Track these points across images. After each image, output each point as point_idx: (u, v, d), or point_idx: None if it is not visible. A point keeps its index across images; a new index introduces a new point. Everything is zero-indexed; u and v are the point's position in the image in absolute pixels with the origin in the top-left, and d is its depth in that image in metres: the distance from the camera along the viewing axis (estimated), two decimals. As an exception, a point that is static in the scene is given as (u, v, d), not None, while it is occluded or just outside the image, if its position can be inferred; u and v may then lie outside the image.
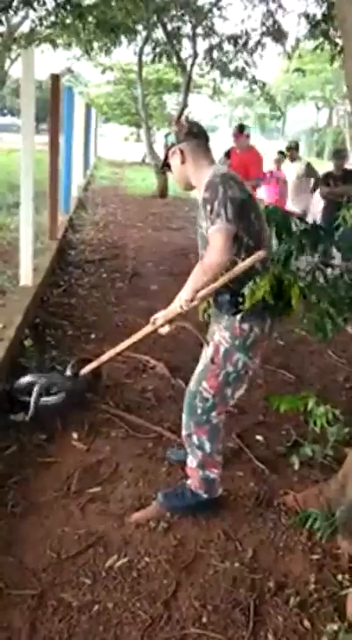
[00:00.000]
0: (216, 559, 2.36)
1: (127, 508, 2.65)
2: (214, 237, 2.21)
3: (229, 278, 2.28)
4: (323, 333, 2.35)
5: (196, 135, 2.46)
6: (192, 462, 2.58)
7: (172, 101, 22.07)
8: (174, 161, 2.49)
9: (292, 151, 8.04)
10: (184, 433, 2.58)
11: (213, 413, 2.49)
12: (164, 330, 2.62)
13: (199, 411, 2.48)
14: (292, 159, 8.04)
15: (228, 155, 6.76)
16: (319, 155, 34.52)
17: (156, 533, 2.48)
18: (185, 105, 11.14)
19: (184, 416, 2.57)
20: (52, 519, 2.54)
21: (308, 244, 2.73)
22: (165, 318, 2.53)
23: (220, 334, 2.42)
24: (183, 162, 2.46)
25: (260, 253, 2.26)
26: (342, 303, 2.44)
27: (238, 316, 2.35)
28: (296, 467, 2.76)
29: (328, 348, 4.64)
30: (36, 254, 5.28)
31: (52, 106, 6.66)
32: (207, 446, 2.52)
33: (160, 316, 2.57)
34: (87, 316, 5.03)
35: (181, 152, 2.45)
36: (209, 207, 2.24)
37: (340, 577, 2.29)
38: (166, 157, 2.54)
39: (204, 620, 2.07)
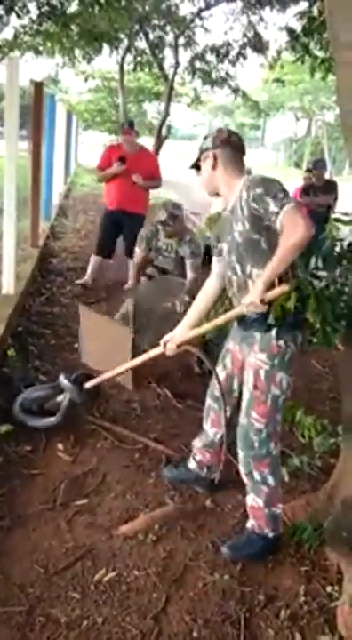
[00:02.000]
0: (205, 572, 2.35)
1: (115, 520, 2.63)
2: (290, 215, 2.11)
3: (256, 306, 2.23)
4: (327, 342, 2.34)
5: (232, 145, 2.45)
6: (256, 501, 2.46)
7: (152, 109, 22.14)
8: (206, 165, 2.48)
9: None
10: (244, 471, 2.48)
11: (271, 444, 2.41)
12: (171, 351, 2.64)
13: (256, 444, 2.39)
14: None
15: (123, 160, 5.86)
16: (298, 165, 34.93)
17: (144, 546, 2.46)
18: (166, 113, 11.17)
19: (241, 453, 2.46)
20: (38, 532, 2.51)
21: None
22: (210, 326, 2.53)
23: (257, 357, 2.35)
24: (214, 167, 2.44)
25: (286, 287, 2.22)
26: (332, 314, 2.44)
27: (273, 333, 2.30)
28: (286, 478, 2.76)
29: (312, 358, 4.68)
30: (18, 262, 5.23)
31: (35, 113, 6.62)
32: (270, 480, 2.43)
33: (174, 337, 2.65)
34: (70, 325, 4.99)
35: (215, 157, 2.43)
36: (268, 198, 2.17)
37: (329, 588, 2.29)
38: (198, 159, 2.52)
39: (195, 634, 2.06)
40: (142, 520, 2.61)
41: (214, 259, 2.62)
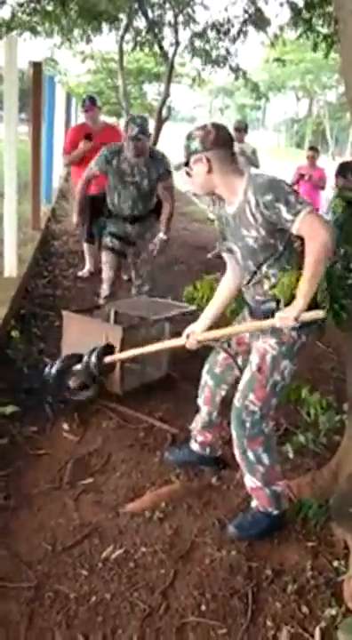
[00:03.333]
0: (212, 548, 2.36)
1: (121, 498, 2.64)
2: (308, 222, 2.08)
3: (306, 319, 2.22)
4: (337, 321, 2.33)
5: (224, 143, 2.29)
6: (254, 482, 2.44)
7: (152, 91, 21.91)
8: (198, 169, 2.31)
9: (241, 133, 7.27)
10: (238, 452, 2.46)
11: (263, 424, 2.39)
12: (193, 345, 2.63)
13: (248, 424, 2.38)
14: (240, 141, 7.10)
15: (89, 137, 5.56)
16: (299, 145, 34.67)
17: (151, 523, 2.48)
18: (167, 94, 11.03)
19: (234, 433, 2.44)
20: (45, 511, 2.52)
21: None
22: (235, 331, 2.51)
23: (266, 341, 2.33)
24: (210, 171, 2.28)
25: (319, 313, 2.22)
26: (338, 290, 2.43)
27: None
28: (291, 455, 2.77)
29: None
30: (20, 245, 5.22)
31: (34, 95, 6.55)
32: (265, 458, 2.41)
33: (195, 332, 2.64)
34: (73, 307, 4.98)
35: (208, 160, 2.27)
36: (279, 204, 2.11)
37: (335, 563, 2.31)
38: (187, 162, 2.35)
39: (203, 608, 2.08)
40: (148, 498, 2.62)
41: (224, 255, 2.56)
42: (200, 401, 2.79)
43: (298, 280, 2.20)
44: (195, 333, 2.66)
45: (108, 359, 3.17)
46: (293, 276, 2.21)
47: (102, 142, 5.19)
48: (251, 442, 2.41)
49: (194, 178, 2.36)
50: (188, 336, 2.68)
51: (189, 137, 2.33)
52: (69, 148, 5.79)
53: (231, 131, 7.45)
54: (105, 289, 4.50)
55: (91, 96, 6.14)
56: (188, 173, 2.38)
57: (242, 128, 7.38)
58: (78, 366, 3.27)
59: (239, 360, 2.61)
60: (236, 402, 2.42)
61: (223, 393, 2.68)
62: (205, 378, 2.76)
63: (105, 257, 4.44)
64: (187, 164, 2.36)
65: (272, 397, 2.38)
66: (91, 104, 5.73)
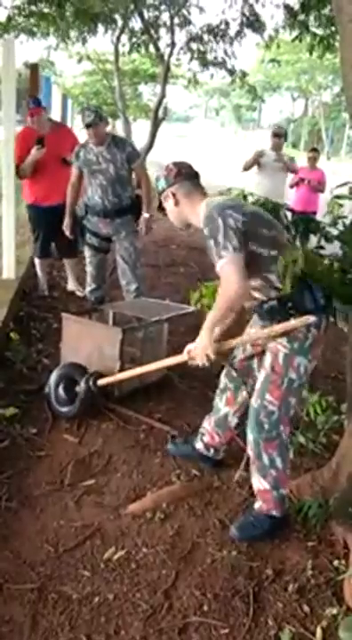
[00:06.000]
0: (213, 548, 2.38)
1: (122, 499, 2.65)
2: (225, 271, 2.21)
3: (276, 333, 2.31)
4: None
5: (185, 176, 2.49)
6: (264, 484, 2.45)
7: (147, 92, 21.90)
8: (168, 204, 2.52)
9: (280, 139, 7.08)
10: (252, 454, 2.46)
11: (281, 427, 2.40)
12: (200, 362, 2.59)
13: (266, 426, 2.39)
14: (278, 147, 7.10)
15: (41, 142, 4.74)
16: (295, 145, 34.67)
17: (152, 524, 2.49)
18: (163, 95, 11.04)
19: (250, 435, 2.44)
20: (47, 513, 2.53)
21: (299, 235, 2.77)
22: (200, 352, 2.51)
23: (277, 341, 2.35)
24: (177, 204, 2.49)
25: (309, 318, 2.24)
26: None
27: (292, 320, 2.28)
28: (291, 455, 2.78)
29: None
30: (17, 246, 5.22)
31: (31, 96, 6.55)
32: (278, 462, 2.43)
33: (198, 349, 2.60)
34: (71, 309, 4.99)
35: (173, 195, 2.48)
36: (212, 242, 2.25)
37: (335, 562, 2.32)
38: (161, 202, 2.57)
39: (205, 608, 2.09)
40: (149, 499, 2.64)
41: None
42: (220, 403, 2.80)
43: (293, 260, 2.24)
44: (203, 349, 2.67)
45: (102, 382, 3.19)
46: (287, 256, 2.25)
47: (57, 149, 4.78)
48: (267, 445, 2.41)
49: (169, 215, 2.57)
50: (189, 352, 2.66)
51: (157, 180, 2.55)
52: (22, 157, 4.79)
53: (269, 137, 7.26)
54: (89, 282, 4.80)
55: (35, 98, 5.38)
56: (164, 214, 2.58)
57: (281, 134, 7.22)
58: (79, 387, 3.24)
59: (254, 362, 2.63)
60: (254, 403, 2.43)
61: (244, 394, 2.69)
62: (225, 381, 2.78)
63: (86, 253, 4.71)
64: (160, 204, 2.57)
65: (289, 396, 2.38)
66: (36, 106, 4.93)
